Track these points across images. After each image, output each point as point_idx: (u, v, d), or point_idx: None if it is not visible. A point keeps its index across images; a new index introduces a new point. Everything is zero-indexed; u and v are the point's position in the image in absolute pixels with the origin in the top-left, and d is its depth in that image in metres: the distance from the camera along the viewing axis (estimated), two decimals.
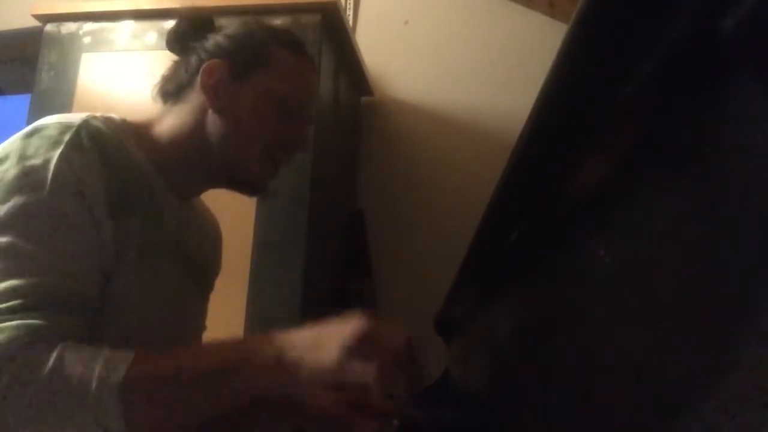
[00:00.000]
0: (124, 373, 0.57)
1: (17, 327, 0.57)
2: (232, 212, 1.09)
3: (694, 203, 0.36)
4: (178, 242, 0.82)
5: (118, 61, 1.59)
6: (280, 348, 0.61)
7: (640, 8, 0.35)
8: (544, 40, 1.81)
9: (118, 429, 0.56)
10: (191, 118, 0.81)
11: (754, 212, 0.30)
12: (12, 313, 0.58)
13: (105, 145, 0.71)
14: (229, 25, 0.87)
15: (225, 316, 1.11)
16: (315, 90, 0.91)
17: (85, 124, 0.70)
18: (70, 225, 0.64)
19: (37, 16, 1.67)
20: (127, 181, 0.72)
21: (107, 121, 0.75)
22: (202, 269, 0.91)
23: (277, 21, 1.49)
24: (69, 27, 1.65)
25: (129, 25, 1.62)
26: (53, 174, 0.65)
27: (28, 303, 0.59)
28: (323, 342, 0.60)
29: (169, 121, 0.82)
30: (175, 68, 0.86)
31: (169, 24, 1.56)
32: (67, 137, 0.68)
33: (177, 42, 0.86)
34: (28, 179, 0.64)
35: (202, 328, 0.94)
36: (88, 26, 1.64)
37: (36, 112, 1.57)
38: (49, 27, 1.66)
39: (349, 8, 2.04)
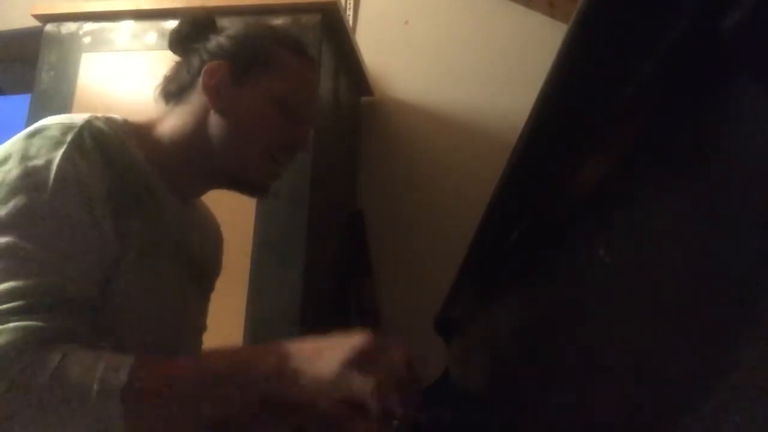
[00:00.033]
0: (126, 377, 0.57)
1: (16, 329, 0.57)
2: (232, 212, 1.09)
3: (694, 203, 0.36)
4: (179, 242, 0.82)
5: (118, 61, 1.59)
6: (281, 356, 0.61)
7: (640, 8, 0.35)
8: (544, 40, 1.81)
9: None
10: (193, 119, 0.81)
11: (754, 212, 0.30)
12: (12, 314, 0.58)
13: (107, 146, 0.71)
14: (230, 26, 0.87)
15: (225, 316, 1.11)
16: (316, 90, 0.92)
17: (87, 125, 0.70)
18: (72, 225, 0.64)
19: (37, 16, 1.67)
20: (129, 181, 0.72)
21: (109, 121, 0.75)
22: (203, 269, 0.91)
23: (277, 21, 1.49)
24: (69, 27, 1.65)
25: (129, 25, 1.62)
26: (55, 174, 0.65)
27: (28, 304, 0.59)
28: (324, 353, 0.60)
29: (171, 121, 0.82)
30: (177, 69, 0.86)
31: (169, 24, 1.57)
32: (69, 138, 0.68)
33: (179, 43, 0.86)
34: (30, 179, 0.64)
35: (203, 328, 0.94)
36: (88, 26, 1.64)
37: (36, 112, 1.57)
38: (49, 27, 1.66)
39: (349, 8, 2.04)
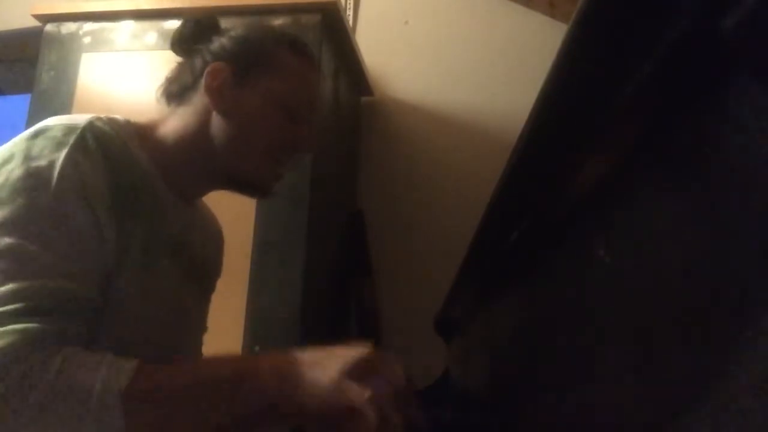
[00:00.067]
0: (128, 382, 0.57)
1: (17, 332, 0.57)
2: (232, 212, 1.09)
3: (694, 203, 0.36)
4: (181, 243, 0.82)
5: (118, 61, 1.59)
6: (282, 365, 0.62)
7: (640, 8, 0.35)
8: (544, 40, 1.81)
9: None
10: (195, 120, 0.81)
11: (754, 212, 0.30)
12: (13, 317, 0.58)
13: (109, 147, 0.71)
14: (233, 28, 0.87)
15: (225, 316, 1.11)
16: (317, 91, 0.92)
17: (90, 126, 0.71)
18: (74, 226, 0.64)
19: (37, 16, 1.68)
20: (131, 182, 0.73)
21: (111, 122, 0.75)
22: (204, 270, 0.91)
23: (277, 21, 1.49)
24: (69, 27, 1.65)
25: (129, 25, 1.62)
26: (58, 176, 0.65)
27: (29, 307, 0.59)
28: (324, 363, 0.61)
29: (173, 122, 0.83)
30: (179, 70, 0.86)
31: (169, 24, 1.57)
32: (72, 139, 0.68)
33: (181, 44, 0.86)
34: (32, 180, 0.64)
35: (203, 329, 0.95)
36: (88, 26, 1.64)
37: (36, 112, 1.57)
38: (49, 27, 1.66)
39: (349, 8, 2.04)
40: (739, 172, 0.31)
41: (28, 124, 1.59)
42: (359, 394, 0.58)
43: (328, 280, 1.63)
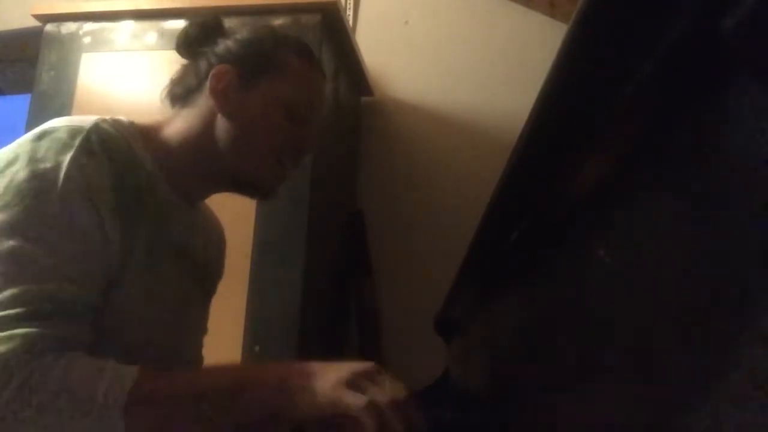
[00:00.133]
0: (129, 389, 0.57)
1: (15, 337, 0.57)
2: (232, 212, 1.09)
3: (694, 203, 0.36)
4: (183, 245, 0.82)
5: (118, 61, 1.59)
6: (283, 374, 0.63)
7: (640, 8, 0.35)
8: (544, 40, 1.81)
9: None
10: (200, 122, 0.82)
11: (754, 212, 0.30)
12: (14, 321, 0.58)
13: (114, 149, 0.71)
14: (238, 30, 0.87)
15: (225, 316, 1.11)
16: (323, 94, 0.92)
17: (95, 128, 0.71)
18: (79, 229, 0.65)
19: (37, 16, 1.68)
20: (135, 184, 0.73)
21: (116, 123, 0.75)
22: (206, 272, 0.91)
23: (277, 21, 1.49)
24: (69, 27, 1.65)
25: (129, 25, 1.62)
26: (64, 178, 0.65)
27: (30, 311, 0.59)
28: (324, 373, 0.62)
29: (178, 124, 0.83)
30: (184, 72, 0.86)
31: (169, 24, 1.57)
32: (77, 141, 0.68)
33: (187, 46, 0.86)
34: (37, 182, 0.64)
35: (204, 331, 0.95)
36: (88, 26, 1.64)
37: (36, 112, 1.57)
38: (49, 27, 1.66)
39: (349, 8, 2.04)
40: (739, 172, 0.31)
41: (28, 124, 1.60)
42: (356, 400, 0.58)
43: (328, 280, 1.63)
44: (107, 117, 0.75)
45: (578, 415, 0.52)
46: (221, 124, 0.81)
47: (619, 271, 0.47)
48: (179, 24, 1.52)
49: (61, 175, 0.65)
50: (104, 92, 1.57)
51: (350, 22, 2.00)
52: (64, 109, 1.54)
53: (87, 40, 1.63)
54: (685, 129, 0.37)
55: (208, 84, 0.81)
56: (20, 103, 2.06)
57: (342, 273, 1.76)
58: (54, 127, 0.70)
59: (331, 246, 1.67)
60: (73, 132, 0.69)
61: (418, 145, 1.94)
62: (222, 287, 0.99)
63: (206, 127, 0.81)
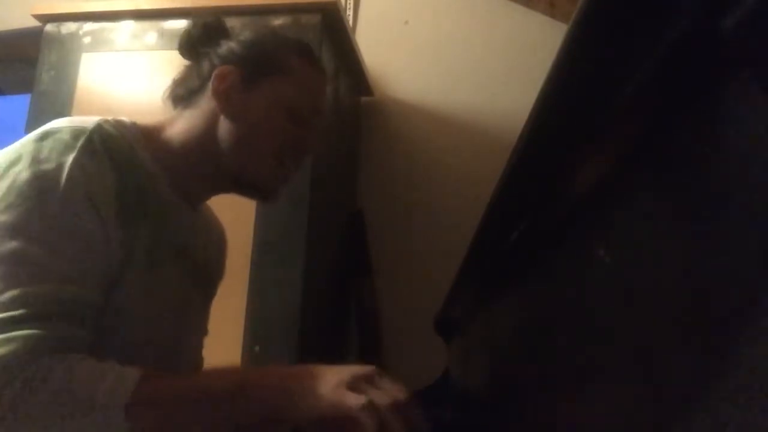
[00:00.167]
0: (131, 392, 0.57)
1: (17, 339, 0.57)
2: (232, 213, 1.09)
3: (694, 203, 0.36)
4: (184, 246, 0.82)
5: (118, 61, 1.59)
6: (284, 376, 0.63)
7: (640, 8, 0.35)
8: (544, 40, 1.81)
9: None
10: (202, 123, 0.82)
11: (754, 212, 0.30)
12: (15, 323, 0.58)
13: (116, 150, 0.71)
14: (241, 31, 0.87)
15: (225, 316, 1.11)
16: (325, 96, 0.92)
17: (97, 129, 0.71)
18: (81, 229, 0.65)
19: (37, 16, 1.67)
20: (136, 185, 0.73)
21: (118, 124, 0.75)
22: (207, 273, 0.91)
23: (277, 21, 1.49)
24: (69, 27, 1.65)
25: (129, 25, 1.62)
26: (66, 179, 0.65)
27: (30, 313, 0.59)
28: (325, 375, 0.62)
29: (180, 125, 0.83)
30: (187, 73, 0.86)
31: (169, 24, 1.57)
32: (80, 142, 0.68)
33: (189, 47, 0.86)
34: (40, 183, 0.64)
35: (204, 332, 0.95)
36: (88, 26, 1.64)
37: (36, 112, 1.57)
38: (49, 27, 1.66)
39: (349, 8, 2.04)
40: (739, 172, 0.31)
41: (28, 124, 1.60)
42: (356, 401, 0.58)
43: (328, 280, 1.63)
44: (109, 118, 0.75)
45: (578, 415, 0.52)
46: (223, 125, 0.81)
47: (619, 271, 0.47)
48: (179, 24, 1.52)
49: (64, 176, 0.65)
50: (104, 92, 1.57)
51: (350, 22, 2.00)
52: (64, 109, 1.54)
53: (87, 40, 1.63)
54: (685, 129, 0.37)
55: (210, 85, 0.81)
56: (20, 103, 2.06)
57: (342, 273, 1.76)
58: (57, 128, 0.70)
59: (331, 246, 1.67)
60: (76, 133, 0.69)
61: (418, 145, 1.94)
62: (222, 287, 0.99)
63: (208, 128, 0.81)
